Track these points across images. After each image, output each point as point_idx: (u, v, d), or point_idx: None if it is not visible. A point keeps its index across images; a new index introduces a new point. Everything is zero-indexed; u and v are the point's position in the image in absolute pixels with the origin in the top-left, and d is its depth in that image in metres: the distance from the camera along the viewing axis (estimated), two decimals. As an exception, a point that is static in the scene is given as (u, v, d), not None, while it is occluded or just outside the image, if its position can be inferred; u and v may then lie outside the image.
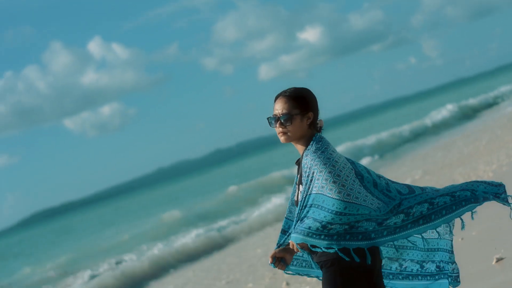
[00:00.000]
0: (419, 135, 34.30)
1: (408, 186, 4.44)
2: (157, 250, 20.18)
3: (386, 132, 37.72)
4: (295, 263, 4.59)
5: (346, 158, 4.35)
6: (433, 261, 4.60)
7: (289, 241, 4.28)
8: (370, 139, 35.35)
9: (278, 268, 4.44)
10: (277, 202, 24.03)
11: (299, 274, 4.65)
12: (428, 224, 4.29)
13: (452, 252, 4.61)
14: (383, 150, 31.21)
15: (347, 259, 4.13)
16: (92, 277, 19.08)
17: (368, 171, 4.39)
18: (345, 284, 4.14)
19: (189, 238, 20.73)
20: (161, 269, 18.30)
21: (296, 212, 4.28)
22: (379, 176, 4.40)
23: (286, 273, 4.59)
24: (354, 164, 4.34)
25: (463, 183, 4.45)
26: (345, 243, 4.12)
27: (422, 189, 4.42)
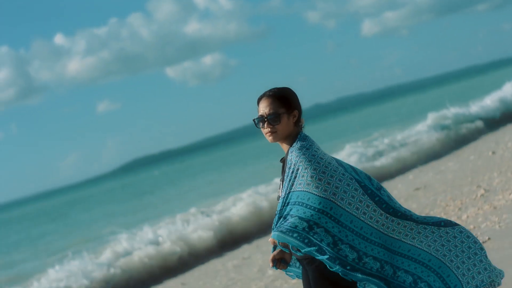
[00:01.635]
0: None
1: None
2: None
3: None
4: (297, 264, 4.60)
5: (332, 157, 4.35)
6: None
7: (270, 238, 4.22)
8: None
9: (280, 269, 4.40)
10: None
11: (298, 277, 4.63)
12: None
13: None
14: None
15: (328, 263, 4.08)
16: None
17: (355, 170, 4.37)
18: (335, 279, 4.16)
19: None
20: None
21: (278, 209, 4.26)
22: (369, 178, 4.34)
23: (287, 274, 4.63)
24: (339, 162, 4.34)
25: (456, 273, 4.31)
26: (322, 258, 4.08)
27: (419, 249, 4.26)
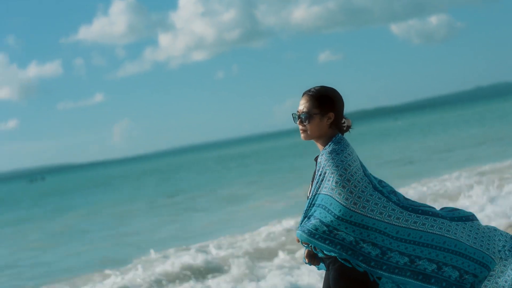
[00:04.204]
0: None
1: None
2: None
3: None
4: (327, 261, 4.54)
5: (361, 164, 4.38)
6: None
7: (295, 236, 4.30)
8: None
9: (314, 265, 4.47)
10: None
11: None
12: (424, 285, 4.19)
13: None
14: None
15: (349, 265, 4.19)
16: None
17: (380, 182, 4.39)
18: (355, 277, 4.20)
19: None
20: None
21: (304, 208, 4.33)
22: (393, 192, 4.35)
23: (319, 269, 4.62)
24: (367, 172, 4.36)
25: (481, 254, 4.29)
26: (346, 256, 4.16)
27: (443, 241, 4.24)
